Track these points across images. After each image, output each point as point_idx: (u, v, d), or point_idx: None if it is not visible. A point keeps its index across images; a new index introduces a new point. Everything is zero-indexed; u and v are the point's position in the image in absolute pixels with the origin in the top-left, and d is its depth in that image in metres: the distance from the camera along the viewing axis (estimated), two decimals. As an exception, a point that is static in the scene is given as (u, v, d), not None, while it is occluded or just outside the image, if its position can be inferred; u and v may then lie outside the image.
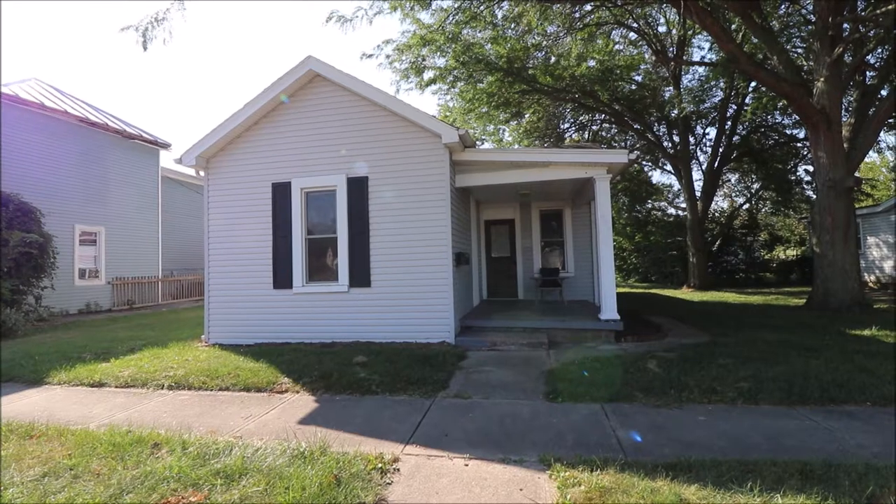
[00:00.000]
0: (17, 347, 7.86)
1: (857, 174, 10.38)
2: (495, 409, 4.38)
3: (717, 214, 24.95)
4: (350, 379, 5.27)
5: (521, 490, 2.89)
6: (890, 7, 8.47)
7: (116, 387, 5.52)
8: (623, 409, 4.26)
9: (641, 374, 5.18)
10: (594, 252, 9.60)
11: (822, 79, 9.56)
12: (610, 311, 7.26)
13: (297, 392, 5.10)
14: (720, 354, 5.90)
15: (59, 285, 12.47)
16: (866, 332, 7.28)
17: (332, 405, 4.66)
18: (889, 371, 4.95)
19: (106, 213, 14.93)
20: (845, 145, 9.86)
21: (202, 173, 8.18)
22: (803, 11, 12.33)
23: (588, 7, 13.47)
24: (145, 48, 6.78)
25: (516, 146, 20.90)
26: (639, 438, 3.60)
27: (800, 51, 14.31)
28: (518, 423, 4.00)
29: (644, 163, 24.45)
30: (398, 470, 3.19)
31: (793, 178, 21.11)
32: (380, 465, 3.18)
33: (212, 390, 5.28)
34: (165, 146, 17.07)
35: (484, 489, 2.91)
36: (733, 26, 14.39)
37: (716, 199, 25.50)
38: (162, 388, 5.39)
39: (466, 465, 3.25)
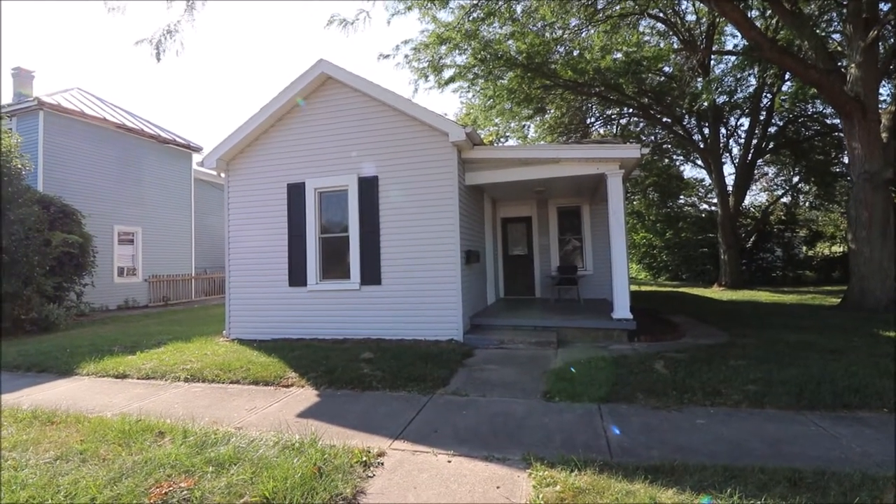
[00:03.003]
0: (55, 341, 8.43)
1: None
2: (490, 407, 4.39)
3: (751, 210, 23.88)
4: (353, 375, 5.39)
5: (497, 488, 2.90)
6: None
7: (138, 378, 5.86)
8: (620, 410, 4.18)
9: (646, 374, 5.07)
10: (611, 250, 9.39)
11: (854, 64, 8.98)
12: (622, 310, 7.11)
13: (303, 386, 5.26)
14: (734, 356, 5.69)
15: (100, 283, 13.25)
16: (901, 335, 6.84)
17: (333, 400, 4.79)
18: (915, 376, 4.65)
19: (143, 213, 15.75)
20: (884, 135, 9.23)
21: (223, 175, 8.52)
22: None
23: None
24: (159, 59, 7.15)
25: (541, 143, 20.64)
26: (628, 440, 3.54)
27: (837, 36, 13.48)
28: (509, 422, 3.99)
29: (675, 156, 23.69)
30: (382, 464, 3.26)
31: (836, 170, 19.96)
32: (364, 459, 3.26)
33: (223, 383, 5.51)
34: (197, 149, 17.82)
35: (461, 485, 2.94)
36: (768, 12, 13.73)
37: (752, 193, 24.43)
38: (178, 381, 5.67)
39: (449, 462, 3.28)
